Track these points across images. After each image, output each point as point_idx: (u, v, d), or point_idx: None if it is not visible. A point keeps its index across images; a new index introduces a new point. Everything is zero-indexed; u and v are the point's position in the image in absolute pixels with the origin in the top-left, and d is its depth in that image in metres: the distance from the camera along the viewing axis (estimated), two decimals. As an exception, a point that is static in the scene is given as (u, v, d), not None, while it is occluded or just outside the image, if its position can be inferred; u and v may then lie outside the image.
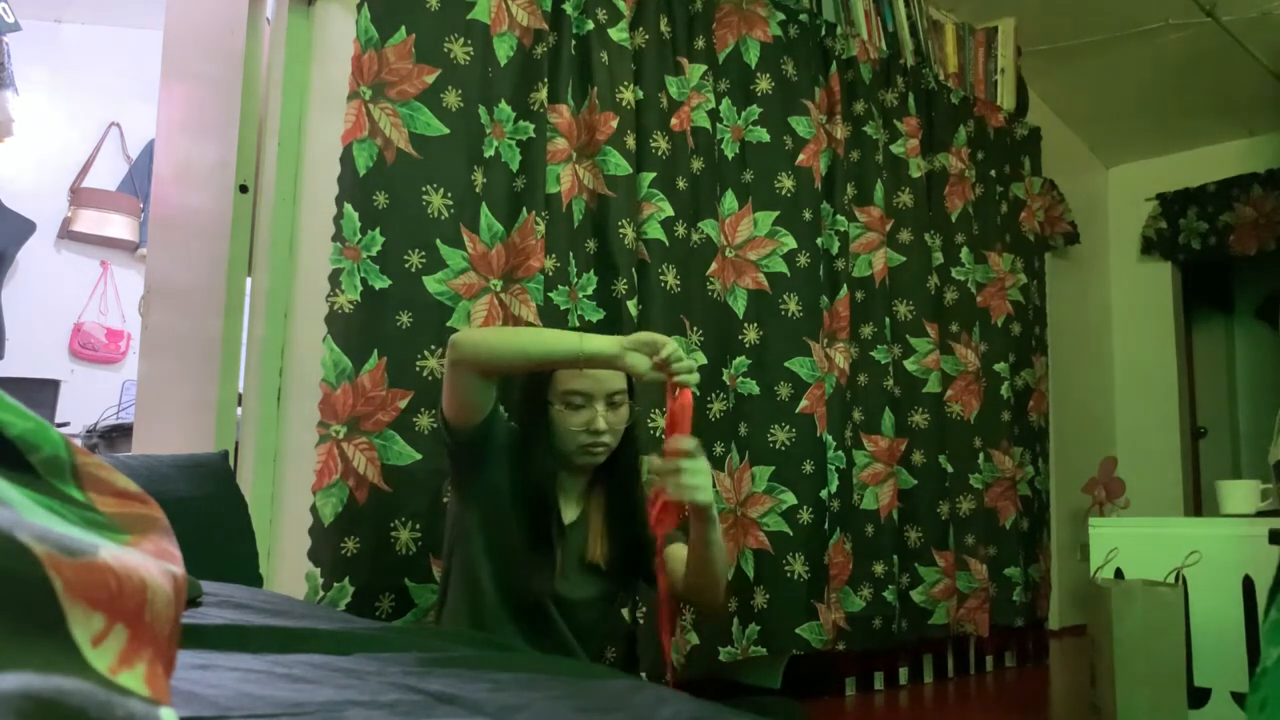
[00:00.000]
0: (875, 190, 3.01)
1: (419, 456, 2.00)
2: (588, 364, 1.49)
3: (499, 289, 2.17)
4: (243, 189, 2.18)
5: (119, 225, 4.22)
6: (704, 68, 2.65)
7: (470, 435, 1.55)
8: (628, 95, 2.41)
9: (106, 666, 0.41)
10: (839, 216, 2.90)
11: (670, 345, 1.45)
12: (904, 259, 3.07)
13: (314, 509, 1.91)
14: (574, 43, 2.37)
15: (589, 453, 1.58)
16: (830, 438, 2.71)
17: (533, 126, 2.26)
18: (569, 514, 1.64)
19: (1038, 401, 3.58)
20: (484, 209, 2.17)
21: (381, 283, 2.02)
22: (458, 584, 1.62)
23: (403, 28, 2.10)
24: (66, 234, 4.18)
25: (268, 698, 0.64)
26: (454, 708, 0.67)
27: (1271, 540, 2.12)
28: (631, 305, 2.34)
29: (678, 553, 1.65)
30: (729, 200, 2.68)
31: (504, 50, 2.24)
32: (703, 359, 2.53)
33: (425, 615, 1.97)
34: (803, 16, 2.89)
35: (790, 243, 2.71)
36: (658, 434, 2.34)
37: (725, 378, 2.60)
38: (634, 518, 1.65)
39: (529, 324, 2.16)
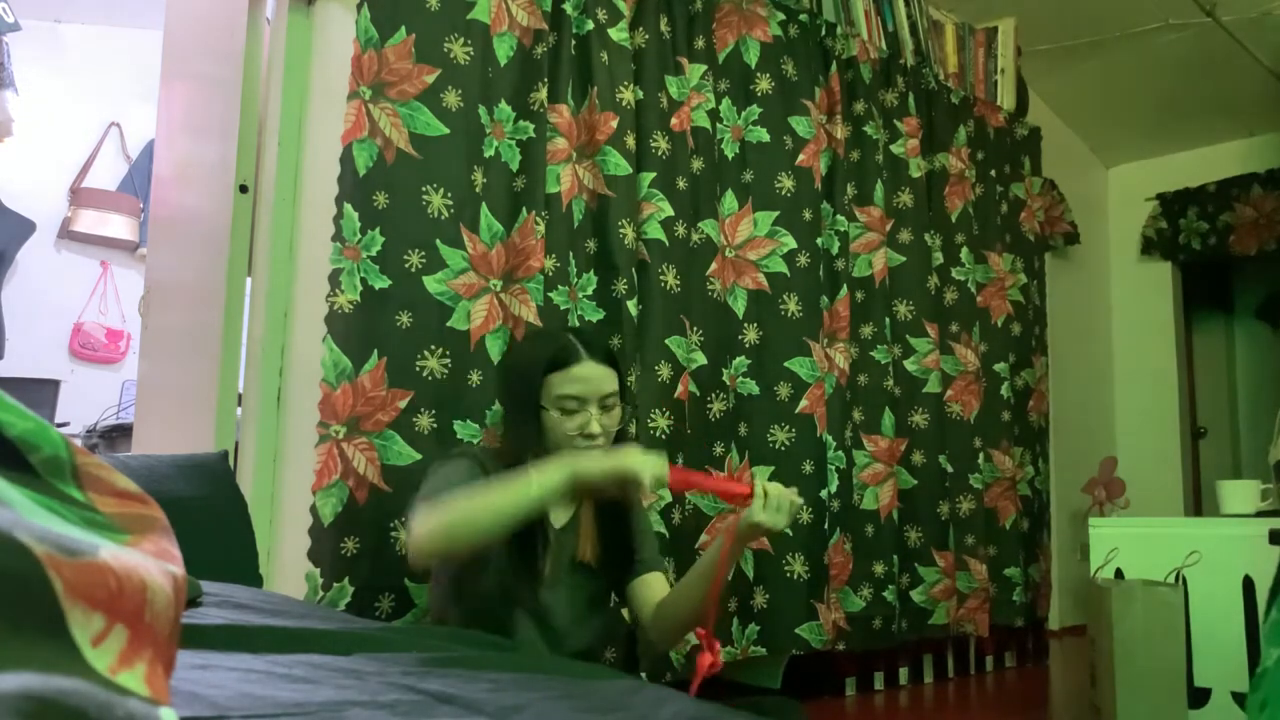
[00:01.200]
0: (875, 190, 3.00)
1: (419, 456, 2.00)
2: (545, 505, 1.45)
3: (499, 289, 2.17)
4: (243, 189, 2.18)
5: (119, 225, 4.23)
6: (704, 68, 2.65)
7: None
8: (628, 95, 2.41)
9: (106, 666, 0.41)
10: (839, 216, 2.90)
11: (635, 464, 1.39)
12: (904, 259, 3.07)
13: (314, 509, 1.91)
14: (574, 43, 2.37)
15: None
16: (830, 438, 2.71)
17: (533, 126, 2.26)
18: (559, 518, 1.64)
19: (1038, 401, 3.57)
20: (484, 209, 2.17)
21: (381, 283, 2.02)
22: (443, 605, 1.61)
23: (403, 28, 2.10)
24: (66, 234, 4.19)
25: (268, 698, 0.64)
26: (453, 708, 0.67)
27: (1271, 540, 2.12)
28: (631, 305, 2.34)
29: (654, 582, 1.65)
30: (729, 200, 2.68)
31: (504, 50, 2.24)
32: (703, 359, 2.53)
33: (425, 615, 1.96)
34: (803, 16, 2.89)
35: (790, 243, 2.71)
36: (658, 434, 2.35)
37: (725, 378, 2.60)
38: (625, 516, 1.66)
39: (529, 324, 2.16)
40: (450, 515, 1.40)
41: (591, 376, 1.56)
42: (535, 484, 1.39)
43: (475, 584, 1.57)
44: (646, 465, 1.40)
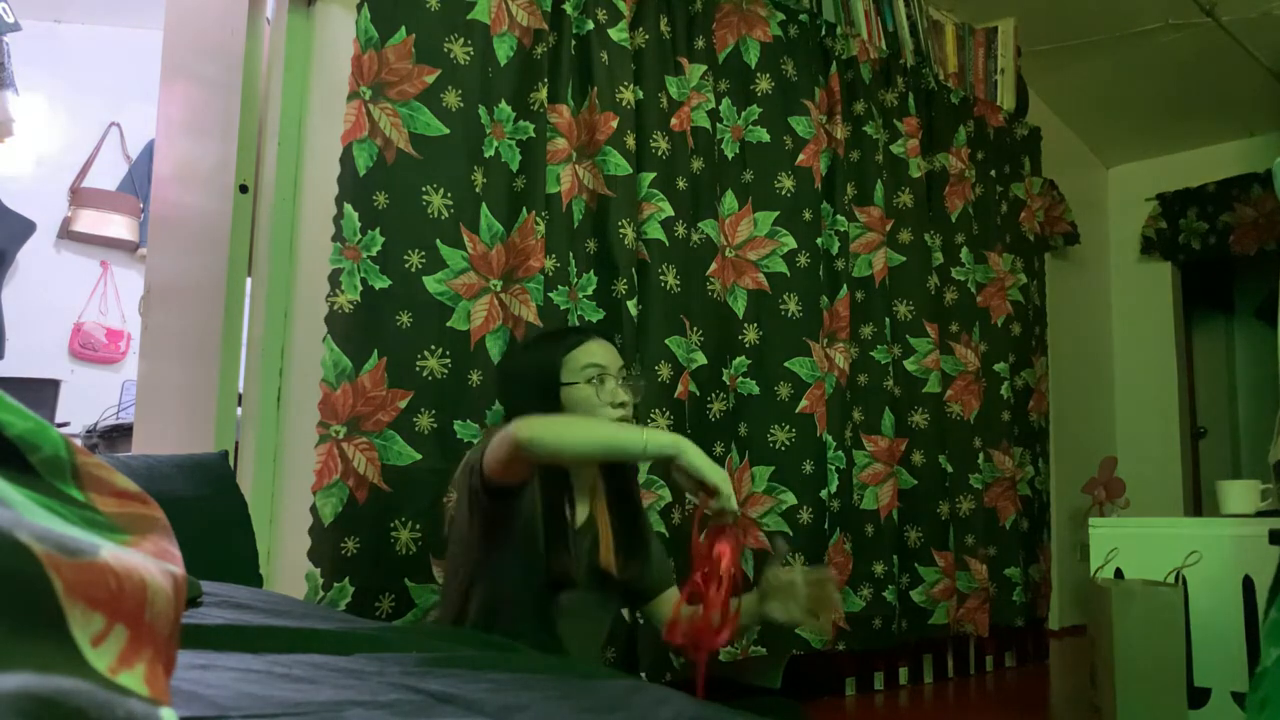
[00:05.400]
0: (875, 190, 3.00)
1: (419, 456, 2.00)
2: (639, 459, 1.53)
3: (499, 289, 2.17)
4: (243, 189, 2.19)
5: (119, 225, 4.23)
6: (704, 68, 2.65)
7: (518, 484, 1.52)
8: (628, 95, 2.41)
9: (106, 666, 0.41)
10: (839, 216, 2.90)
11: (724, 493, 1.46)
12: (904, 259, 3.07)
13: (314, 509, 1.91)
14: (574, 43, 2.37)
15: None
16: (830, 438, 2.71)
17: (533, 126, 2.26)
18: (577, 517, 1.62)
19: (1038, 401, 3.57)
20: (484, 209, 2.17)
21: (381, 283, 2.02)
22: (480, 608, 1.57)
23: (403, 28, 2.10)
24: (66, 234, 4.19)
25: (268, 698, 0.64)
26: (453, 708, 0.67)
27: (1271, 540, 2.12)
28: (631, 305, 2.34)
29: (671, 596, 1.69)
30: (729, 200, 2.68)
31: (504, 50, 2.24)
32: (703, 359, 2.53)
33: (425, 615, 1.97)
34: (803, 16, 2.89)
35: (790, 243, 2.71)
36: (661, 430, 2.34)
37: (725, 378, 2.60)
38: (639, 524, 1.66)
39: (529, 324, 2.16)
40: (565, 426, 1.49)
41: (606, 350, 1.61)
42: (646, 439, 1.44)
43: (496, 583, 1.55)
44: (731, 495, 1.47)
